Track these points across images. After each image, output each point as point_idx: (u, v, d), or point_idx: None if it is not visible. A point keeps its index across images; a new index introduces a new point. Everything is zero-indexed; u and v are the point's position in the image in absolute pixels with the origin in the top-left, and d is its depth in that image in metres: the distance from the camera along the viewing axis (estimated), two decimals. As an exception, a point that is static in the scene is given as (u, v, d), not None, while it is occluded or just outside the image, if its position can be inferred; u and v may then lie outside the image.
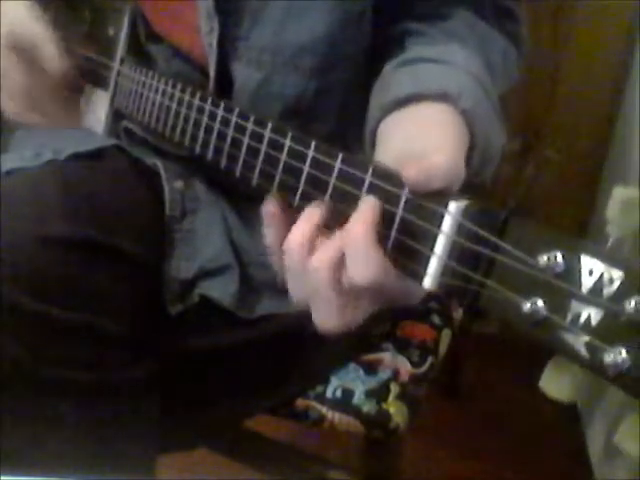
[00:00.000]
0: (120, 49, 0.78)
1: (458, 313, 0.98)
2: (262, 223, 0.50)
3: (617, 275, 0.33)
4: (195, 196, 0.74)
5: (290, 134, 0.52)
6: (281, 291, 0.74)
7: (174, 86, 0.67)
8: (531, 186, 1.34)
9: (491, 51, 0.65)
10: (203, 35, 0.68)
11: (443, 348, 0.92)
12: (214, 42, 0.67)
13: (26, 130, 0.81)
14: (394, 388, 0.83)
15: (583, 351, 0.34)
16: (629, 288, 0.33)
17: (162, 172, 0.72)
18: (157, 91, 0.70)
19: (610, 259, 0.34)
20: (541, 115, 1.46)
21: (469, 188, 0.52)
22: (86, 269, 0.62)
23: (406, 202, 0.44)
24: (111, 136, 0.79)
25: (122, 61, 0.78)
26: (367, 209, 0.45)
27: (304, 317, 0.78)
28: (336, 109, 0.69)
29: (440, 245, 0.42)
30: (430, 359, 0.88)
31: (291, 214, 0.49)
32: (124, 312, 0.64)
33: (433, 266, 0.42)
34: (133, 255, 0.65)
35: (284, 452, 0.98)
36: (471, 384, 1.56)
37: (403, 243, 0.44)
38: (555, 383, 0.37)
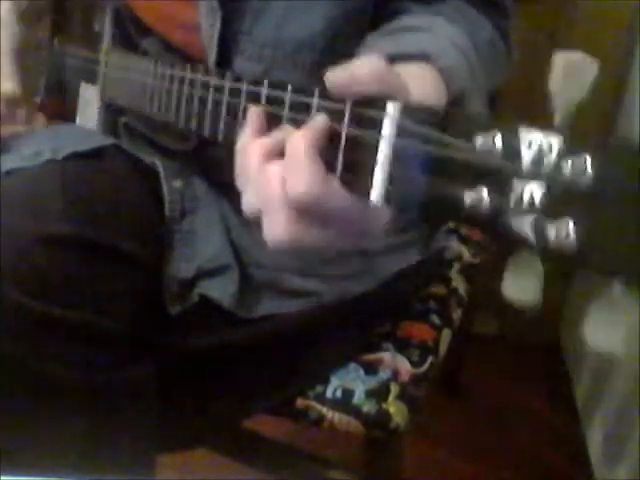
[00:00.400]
0: (105, 40, 0.78)
1: (458, 313, 0.99)
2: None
3: (555, 141, 0.32)
4: (194, 195, 0.74)
5: (290, 88, 0.49)
6: (281, 292, 0.75)
7: (172, 66, 0.66)
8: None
9: (479, 37, 0.65)
10: (203, 30, 0.68)
11: (443, 348, 0.92)
12: (215, 37, 0.67)
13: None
14: (394, 388, 0.83)
15: (529, 232, 0.33)
16: (568, 149, 0.31)
17: (161, 171, 0.72)
18: (147, 73, 0.69)
19: (549, 127, 0.32)
20: (541, 115, 1.46)
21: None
22: (85, 269, 0.62)
23: (349, 118, 0.43)
24: (107, 131, 0.80)
25: (107, 52, 0.78)
26: (311, 125, 0.44)
27: (304, 317, 0.78)
28: None
29: (382, 150, 0.40)
30: (430, 359, 0.88)
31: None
32: (124, 312, 0.64)
33: (377, 175, 0.40)
34: (132, 255, 0.65)
35: (284, 452, 0.98)
36: (471, 384, 1.56)
37: (351, 161, 0.43)
38: (516, 285, 0.34)
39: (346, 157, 0.43)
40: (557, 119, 0.34)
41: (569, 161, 0.31)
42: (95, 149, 0.70)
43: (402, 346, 0.88)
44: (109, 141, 0.73)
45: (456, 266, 1.06)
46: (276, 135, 0.47)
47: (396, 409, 0.81)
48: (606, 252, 0.30)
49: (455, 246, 1.11)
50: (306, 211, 0.43)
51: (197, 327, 0.72)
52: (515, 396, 1.52)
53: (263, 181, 0.45)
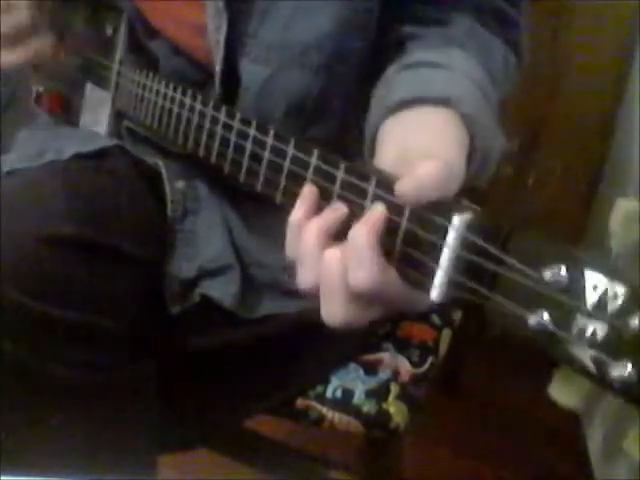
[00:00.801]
0: (119, 49, 0.78)
1: (458, 313, 0.99)
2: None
3: (621, 291, 0.34)
4: (196, 196, 0.74)
5: (293, 141, 0.52)
6: (282, 292, 0.75)
7: (175, 89, 0.67)
8: (532, 194, 1.34)
9: (491, 58, 0.65)
10: (210, 32, 0.68)
11: (443, 348, 0.92)
12: (222, 39, 0.67)
13: (28, 130, 0.81)
14: (394, 388, 0.83)
15: (590, 364, 0.35)
16: (632, 305, 0.33)
17: (163, 172, 0.72)
18: (158, 94, 0.70)
19: (613, 274, 0.34)
20: (541, 115, 1.46)
21: (468, 189, 0.52)
22: (87, 269, 0.62)
23: (410, 213, 0.44)
24: (113, 135, 0.79)
25: (121, 62, 0.78)
26: (372, 215, 0.45)
27: (304, 317, 0.78)
28: (342, 106, 0.69)
29: (445, 257, 0.42)
30: (430, 359, 0.88)
31: (318, 208, 0.49)
32: (125, 312, 0.64)
33: (439, 278, 0.42)
34: (134, 255, 0.65)
35: (284, 452, 0.98)
36: (471, 384, 1.56)
37: (408, 253, 0.44)
38: (564, 391, 0.37)
39: (404, 249, 0.45)
40: (613, 255, 0.36)
41: (632, 311, 0.33)
42: (98, 150, 0.70)
43: (402, 346, 0.88)
44: (112, 142, 0.73)
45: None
46: (331, 216, 0.48)
47: (396, 409, 0.81)
48: None
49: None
50: (364, 298, 0.45)
51: (198, 327, 0.72)
52: (515, 396, 1.52)
53: (323, 266, 0.46)
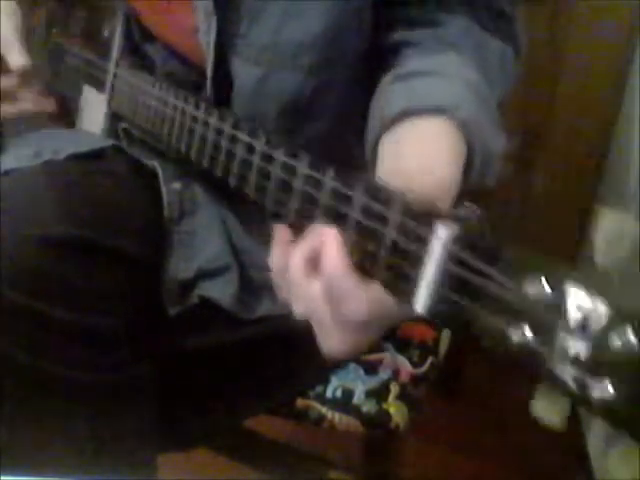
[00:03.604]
0: (115, 51, 0.78)
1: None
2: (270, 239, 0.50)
3: (604, 311, 0.33)
4: (193, 197, 0.74)
5: (283, 149, 0.52)
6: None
7: (168, 91, 0.68)
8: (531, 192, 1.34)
9: (487, 55, 0.65)
10: (201, 34, 0.68)
11: (443, 348, 0.92)
12: (212, 40, 0.67)
13: (26, 131, 0.81)
14: (394, 388, 0.83)
15: (570, 383, 0.34)
16: (615, 325, 0.33)
17: (160, 174, 0.72)
18: (152, 97, 0.70)
19: (597, 293, 0.34)
20: (541, 115, 1.46)
21: (471, 192, 0.52)
22: (85, 269, 0.62)
23: (394, 223, 0.44)
24: (109, 137, 0.80)
25: (118, 64, 0.78)
26: (331, 244, 0.45)
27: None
28: (334, 107, 0.69)
29: (429, 269, 0.41)
30: (430, 359, 0.88)
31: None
32: (123, 312, 0.64)
33: (422, 290, 0.42)
34: (132, 256, 0.65)
35: (284, 452, 0.98)
36: (471, 384, 1.56)
37: (393, 265, 0.44)
38: (546, 409, 0.37)
39: (388, 260, 0.44)
40: (597, 271, 0.35)
41: (615, 331, 0.33)
42: (95, 150, 0.70)
43: (402, 346, 0.88)
44: (109, 142, 0.73)
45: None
46: (313, 242, 0.47)
47: (396, 409, 0.81)
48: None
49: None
50: (360, 325, 0.45)
51: (197, 327, 0.72)
52: (515, 396, 1.52)
53: (310, 299, 0.46)
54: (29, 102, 0.83)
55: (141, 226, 0.68)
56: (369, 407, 0.81)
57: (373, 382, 0.83)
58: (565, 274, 0.35)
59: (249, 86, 0.67)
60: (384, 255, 0.44)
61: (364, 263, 0.45)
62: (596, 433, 1.40)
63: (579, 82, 1.49)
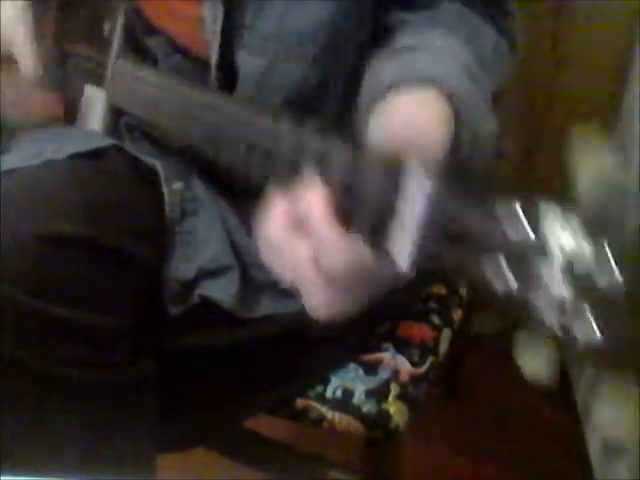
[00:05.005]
0: (115, 46, 0.78)
1: (458, 313, 0.99)
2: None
3: (589, 251, 0.33)
4: (194, 197, 0.74)
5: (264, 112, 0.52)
6: (281, 292, 0.75)
7: (171, 80, 0.67)
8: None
9: (481, 42, 0.65)
10: (206, 24, 0.68)
11: (443, 348, 0.92)
12: (218, 30, 0.67)
13: (28, 132, 0.81)
14: (394, 388, 0.83)
15: (555, 325, 0.34)
16: (601, 265, 0.32)
17: (161, 173, 0.72)
18: (155, 86, 0.70)
19: (583, 235, 0.33)
20: (541, 115, 1.46)
21: (465, 176, 0.52)
22: (85, 268, 0.62)
23: (373, 178, 0.43)
24: (111, 132, 0.80)
25: (118, 58, 0.78)
26: (314, 196, 0.45)
27: (304, 317, 0.78)
28: (339, 96, 0.69)
29: (409, 221, 0.41)
30: (430, 359, 0.88)
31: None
32: (124, 312, 0.64)
33: (403, 244, 0.41)
34: (133, 255, 0.65)
35: (284, 452, 0.98)
36: (471, 384, 1.56)
37: (373, 219, 0.43)
38: (531, 365, 0.36)
39: (369, 215, 0.44)
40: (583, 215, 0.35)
41: (601, 277, 0.33)
42: (95, 150, 0.70)
43: (402, 346, 0.88)
44: (110, 142, 0.73)
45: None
46: (294, 204, 0.47)
47: (396, 409, 0.81)
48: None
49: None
50: (342, 281, 0.45)
51: (197, 327, 0.72)
52: (515, 396, 1.52)
53: (295, 260, 0.46)
54: (41, 107, 0.83)
55: (142, 226, 0.68)
56: (369, 407, 0.81)
57: (373, 382, 0.83)
58: (550, 213, 0.35)
59: (254, 76, 0.68)
60: (366, 211, 0.44)
61: (346, 220, 0.44)
62: (596, 433, 1.40)
63: (579, 81, 1.49)
